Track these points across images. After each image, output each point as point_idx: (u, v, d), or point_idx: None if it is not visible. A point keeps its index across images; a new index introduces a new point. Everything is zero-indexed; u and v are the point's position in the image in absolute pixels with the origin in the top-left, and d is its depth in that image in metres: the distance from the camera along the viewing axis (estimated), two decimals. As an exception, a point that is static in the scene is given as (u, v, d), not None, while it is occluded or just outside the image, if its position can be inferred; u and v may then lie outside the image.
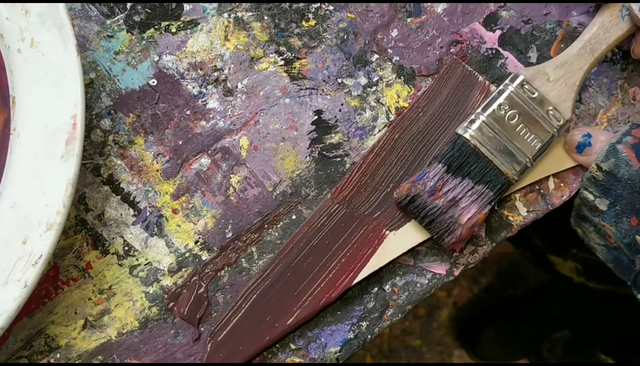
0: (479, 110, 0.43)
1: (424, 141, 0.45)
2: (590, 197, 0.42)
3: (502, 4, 0.47)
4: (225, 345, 0.42)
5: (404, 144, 0.45)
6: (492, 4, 0.47)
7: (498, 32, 0.47)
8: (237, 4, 0.47)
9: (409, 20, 0.47)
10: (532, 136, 0.42)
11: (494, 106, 0.42)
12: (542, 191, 0.45)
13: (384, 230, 0.43)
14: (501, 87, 0.43)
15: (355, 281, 0.42)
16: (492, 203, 0.42)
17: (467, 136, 0.42)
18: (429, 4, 0.47)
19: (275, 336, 0.42)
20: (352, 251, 0.43)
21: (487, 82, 0.45)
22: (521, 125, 0.42)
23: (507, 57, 0.47)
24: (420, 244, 0.44)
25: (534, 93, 0.42)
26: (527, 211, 0.45)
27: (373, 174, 0.44)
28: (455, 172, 0.42)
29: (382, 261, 0.43)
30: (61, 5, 0.39)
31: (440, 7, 0.47)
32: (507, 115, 0.42)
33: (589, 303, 1.03)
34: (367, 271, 0.43)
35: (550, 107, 0.42)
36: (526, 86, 0.42)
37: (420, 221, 0.43)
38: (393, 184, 0.44)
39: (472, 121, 0.42)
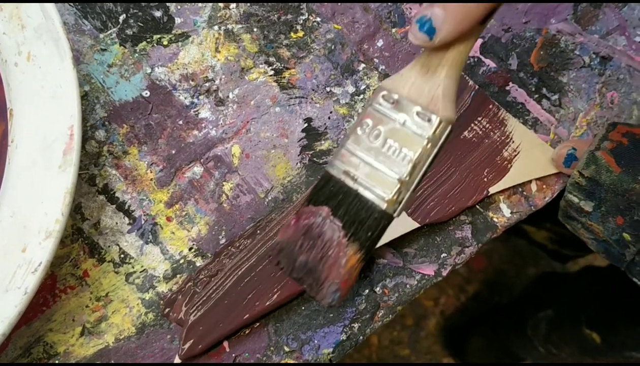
0: (344, 139, 0.35)
1: None
2: (575, 200, 0.43)
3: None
4: (205, 320, 0.43)
5: None
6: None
7: (479, 41, 0.49)
8: (227, 17, 0.48)
9: (393, 30, 0.49)
10: (403, 150, 0.33)
11: (357, 127, 0.34)
12: (525, 193, 0.47)
13: None
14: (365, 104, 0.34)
15: None
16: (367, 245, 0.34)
17: (329, 169, 0.34)
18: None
19: (255, 314, 0.43)
20: None
21: (477, 86, 0.47)
22: (388, 141, 0.33)
23: (488, 65, 0.48)
24: (409, 246, 0.45)
25: (391, 100, 0.33)
26: (511, 213, 0.46)
27: None
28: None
29: None
30: (57, 19, 0.40)
31: (423, 17, 0.49)
32: (371, 134, 0.33)
33: (571, 281, 1.05)
34: None
35: (418, 109, 0.33)
36: (384, 94, 0.33)
37: None
38: None
39: (337, 152, 0.35)
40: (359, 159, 0.33)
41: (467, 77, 0.47)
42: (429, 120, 0.32)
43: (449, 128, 0.33)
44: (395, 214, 0.33)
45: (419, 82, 0.33)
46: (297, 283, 0.35)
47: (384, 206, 0.33)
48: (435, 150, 0.33)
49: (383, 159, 0.33)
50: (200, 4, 0.48)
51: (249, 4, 0.48)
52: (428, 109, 0.32)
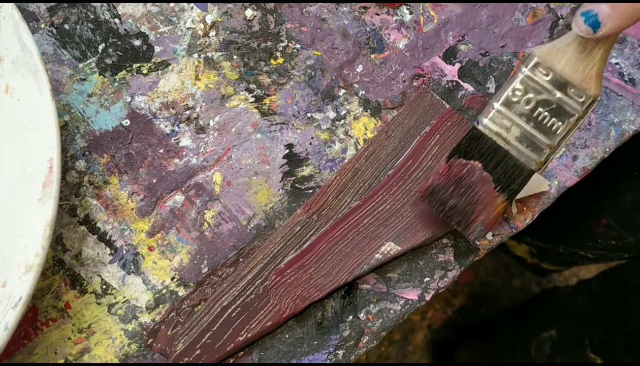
0: (493, 99, 0.40)
1: (391, 163, 0.47)
2: None
3: (461, 38, 0.49)
4: (189, 352, 0.42)
5: (373, 165, 0.47)
6: (450, 38, 0.49)
7: (457, 65, 0.49)
8: (207, 44, 0.48)
9: (372, 56, 0.49)
10: (553, 120, 0.39)
11: (508, 91, 0.39)
12: (506, 215, 0.47)
13: None
14: (517, 70, 0.40)
15: (320, 296, 0.44)
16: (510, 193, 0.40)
17: (480, 127, 0.40)
18: (391, 41, 0.49)
19: (239, 345, 0.43)
20: None
21: (454, 111, 0.47)
22: (539, 110, 0.39)
23: (466, 89, 0.49)
24: (392, 271, 0.45)
25: (548, 74, 0.38)
26: (492, 235, 0.47)
27: (342, 192, 0.46)
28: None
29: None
30: (35, 51, 0.40)
31: (402, 43, 0.49)
32: (522, 100, 0.39)
33: (569, 298, 1.05)
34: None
35: (573, 88, 0.38)
36: (540, 67, 0.38)
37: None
38: (360, 203, 0.46)
39: (487, 112, 0.40)
40: (510, 122, 0.39)
41: (443, 102, 0.48)
42: (581, 97, 0.38)
43: (595, 104, 0.38)
44: (539, 172, 0.40)
45: (574, 60, 0.38)
46: (445, 220, 0.41)
47: (533, 166, 0.39)
48: (581, 122, 0.39)
49: (534, 125, 0.39)
50: (179, 33, 0.48)
51: (228, 32, 0.48)
52: (581, 86, 0.38)
